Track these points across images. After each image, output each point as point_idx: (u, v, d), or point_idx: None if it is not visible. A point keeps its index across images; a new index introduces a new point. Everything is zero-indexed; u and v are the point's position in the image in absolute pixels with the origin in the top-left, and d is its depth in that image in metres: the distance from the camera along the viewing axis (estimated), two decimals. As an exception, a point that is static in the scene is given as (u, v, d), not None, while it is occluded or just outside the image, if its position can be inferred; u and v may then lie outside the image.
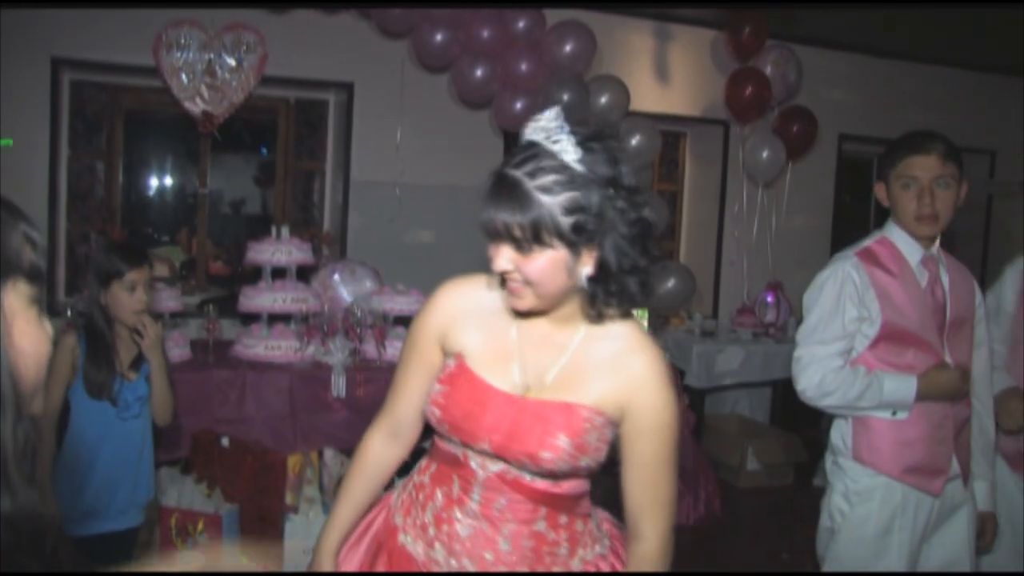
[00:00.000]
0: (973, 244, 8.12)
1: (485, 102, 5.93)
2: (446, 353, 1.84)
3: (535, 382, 1.76)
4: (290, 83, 6.18)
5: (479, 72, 5.66)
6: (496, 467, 1.77)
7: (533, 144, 1.63)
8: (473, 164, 6.44)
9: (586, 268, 1.63)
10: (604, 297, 1.67)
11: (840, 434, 2.78)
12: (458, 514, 1.80)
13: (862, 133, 7.74)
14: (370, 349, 4.62)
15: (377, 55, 6.13)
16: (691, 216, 7.71)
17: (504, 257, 1.61)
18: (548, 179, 1.57)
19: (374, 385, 4.44)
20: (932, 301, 2.69)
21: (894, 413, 2.64)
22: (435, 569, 1.82)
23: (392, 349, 4.58)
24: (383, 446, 1.98)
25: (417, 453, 2.00)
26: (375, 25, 5.88)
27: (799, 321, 2.83)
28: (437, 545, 1.81)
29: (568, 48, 5.68)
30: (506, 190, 1.58)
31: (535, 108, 5.67)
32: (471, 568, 1.78)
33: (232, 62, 5.70)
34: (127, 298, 3.03)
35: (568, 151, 1.61)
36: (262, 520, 4.20)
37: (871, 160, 8.26)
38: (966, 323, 2.78)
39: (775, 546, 5.07)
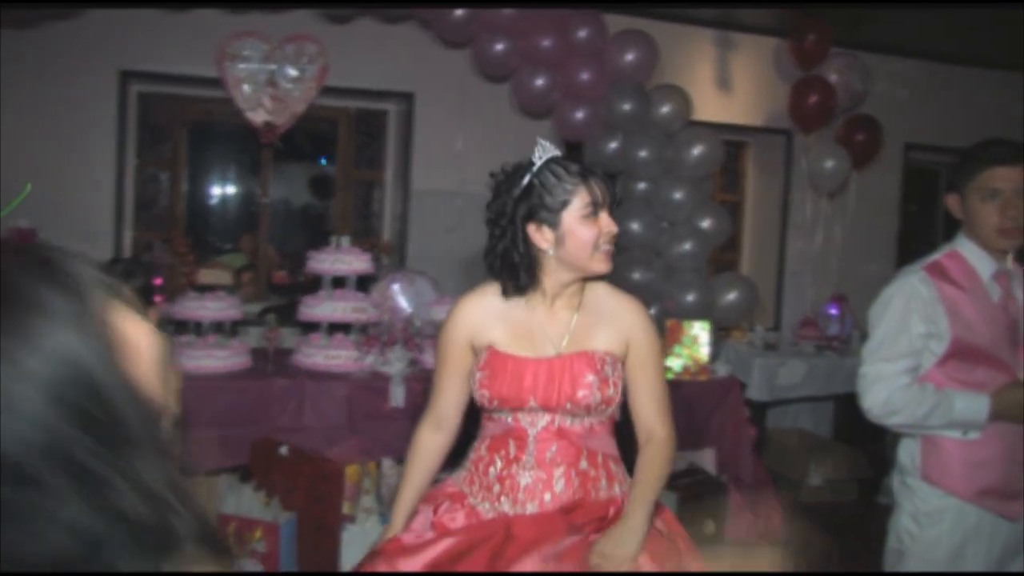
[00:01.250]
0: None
1: (546, 112, 5.91)
2: (476, 351, 2.32)
3: (555, 346, 2.28)
4: (351, 93, 6.22)
5: (540, 82, 5.65)
6: (543, 421, 2.25)
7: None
8: (533, 174, 6.43)
9: None
10: None
11: (908, 453, 2.70)
12: (516, 469, 2.25)
13: (929, 142, 7.58)
14: (429, 359, 4.61)
15: (437, 65, 6.15)
16: (753, 227, 7.62)
17: (609, 220, 2.23)
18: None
19: (432, 395, 4.44)
20: (1005, 317, 2.60)
21: (965, 433, 2.56)
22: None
23: (450, 359, 4.57)
24: (430, 436, 2.44)
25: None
26: (435, 35, 5.89)
27: (863, 334, 2.76)
28: (503, 499, 2.25)
29: (629, 57, 5.64)
30: (599, 175, 2.24)
31: (596, 117, 5.65)
32: (533, 510, 2.23)
33: (294, 73, 5.74)
34: None
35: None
36: (319, 529, 4.21)
37: (938, 170, 8.09)
38: (1041, 340, 2.68)
39: (839, 564, 4.96)
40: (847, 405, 6.26)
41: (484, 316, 2.31)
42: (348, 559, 4.17)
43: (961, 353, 2.57)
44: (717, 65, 6.93)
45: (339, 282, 4.81)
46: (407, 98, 6.23)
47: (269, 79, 5.70)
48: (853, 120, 6.85)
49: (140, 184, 6.11)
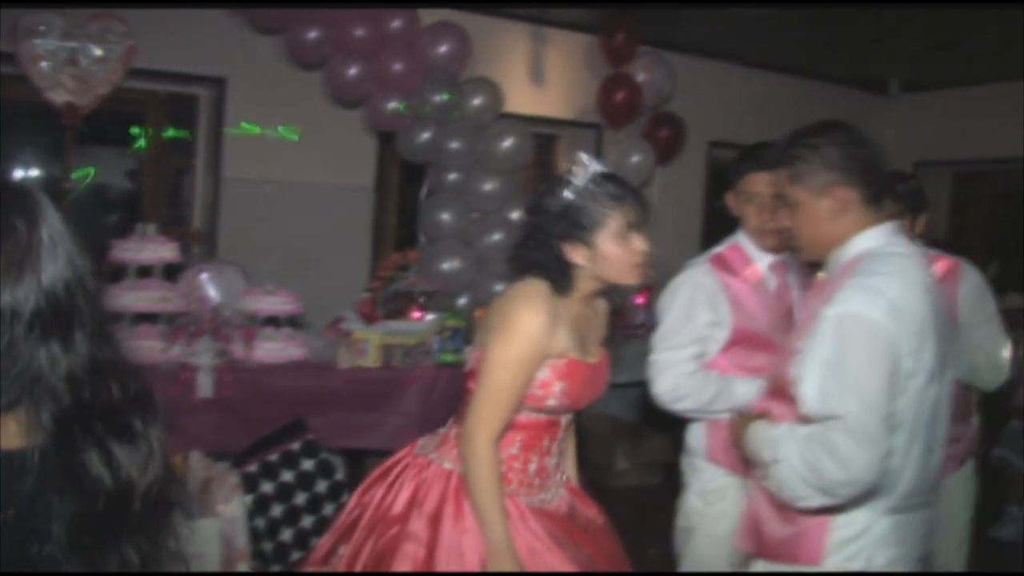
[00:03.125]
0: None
1: (359, 101, 5.90)
2: (545, 359, 2.27)
3: (594, 348, 2.44)
4: (159, 76, 6.00)
5: (352, 71, 5.62)
6: (570, 415, 2.45)
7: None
8: (345, 163, 6.40)
9: None
10: None
11: (695, 436, 2.86)
12: (547, 460, 2.41)
13: (732, 140, 7.93)
14: (238, 349, 4.55)
15: (250, 50, 6.01)
16: (565, 218, 7.76)
17: (641, 239, 2.34)
18: None
19: (242, 386, 4.37)
20: (780, 305, 2.78)
21: (745, 415, 2.73)
22: (540, 508, 2.38)
23: (261, 350, 4.52)
24: (496, 451, 2.29)
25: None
26: (247, 20, 5.77)
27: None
28: (540, 492, 2.39)
29: (442, 49, 5.69)
30: (635, 196, 2.35)
31: (409, 109, 5.67)
32: (562, 490, 2.47)
33: (98, 52, 5.50)
34: None
35: None
36: (123, 525, 4.08)
37: (740, 166, 8.47)
38: (814, 326, 2.88)
39: (644, 544, 5.16)
40: (653, 391, 6.49)
41: (551, 321, 2.26)
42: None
43: (743, 340, 2.74)
44: (530, 59, 7.05)
45: (145, 271, 4.68)
46: (219, 83, 6.08)
47: (70, 57, 5.45)
48: (658, 117, 7.11)
49: (-74, 168, 5.73)
